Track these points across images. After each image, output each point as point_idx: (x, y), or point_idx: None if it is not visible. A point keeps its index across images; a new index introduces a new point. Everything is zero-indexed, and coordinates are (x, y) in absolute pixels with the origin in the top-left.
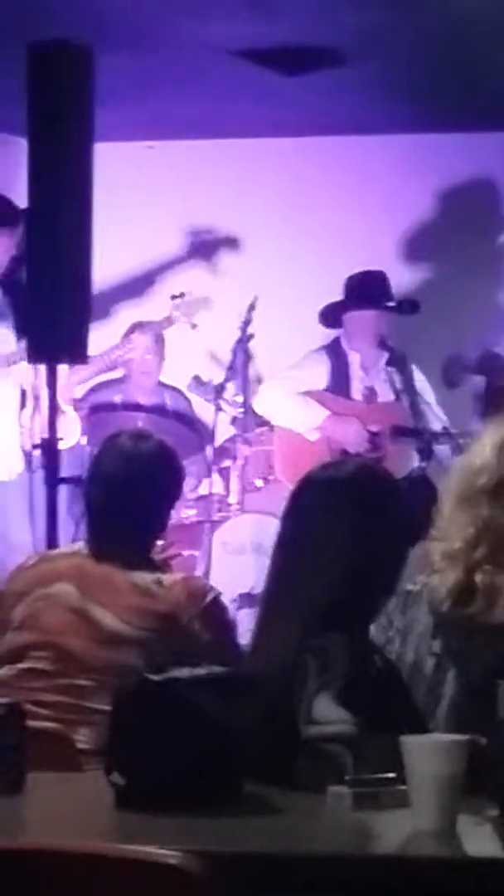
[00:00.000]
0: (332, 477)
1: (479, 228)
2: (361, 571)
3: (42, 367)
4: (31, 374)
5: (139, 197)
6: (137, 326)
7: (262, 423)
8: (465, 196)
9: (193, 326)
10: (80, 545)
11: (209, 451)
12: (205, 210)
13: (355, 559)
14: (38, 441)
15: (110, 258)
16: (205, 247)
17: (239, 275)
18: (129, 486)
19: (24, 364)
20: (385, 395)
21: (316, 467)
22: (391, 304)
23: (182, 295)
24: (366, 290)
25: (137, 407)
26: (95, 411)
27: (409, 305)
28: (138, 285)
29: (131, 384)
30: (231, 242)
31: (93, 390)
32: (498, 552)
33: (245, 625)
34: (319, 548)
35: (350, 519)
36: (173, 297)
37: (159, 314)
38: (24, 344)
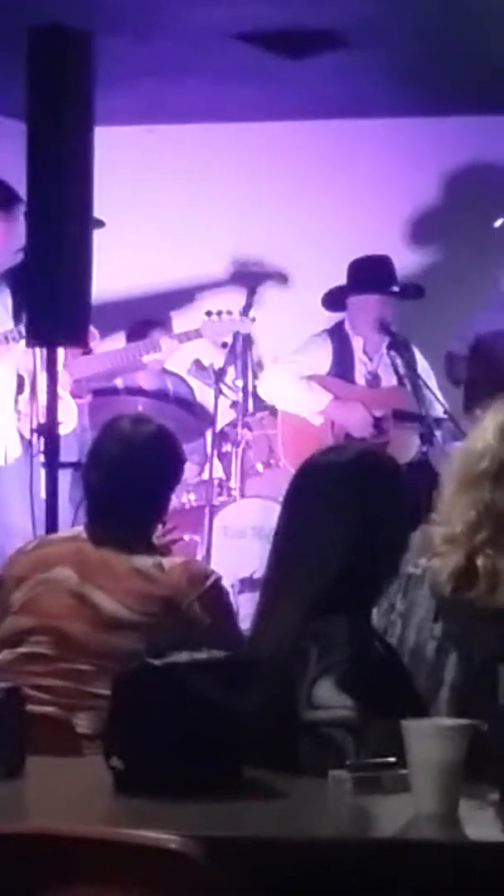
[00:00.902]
0: (335, 461)
1: (484, 211)
2: (362, 556)
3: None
4: (29, 359)
5: (146, 179)
6: (158, 326)
7: (263, 407)
8: (470, 179)
9: (224, 346)
10: (80, 529)
11: (210, 435)
12: (206, 194)
13: (356, 544)
14: (36, 426)
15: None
16: (248, 277)
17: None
18: (128, 471)
19: (22, 347)
20: (388, 379)
21: (318, 451)
22: (395, 288)
23: (220, 314)
24: (370, 274)
25: (138, 391)
26: (96, 395)
27: (413, 290)
28: (176, 297)
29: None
30: (279, 277)
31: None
32: (499, 536)
33: (246, 609)
34: (321, 532)
35: (352, 503)
36: (209, 314)
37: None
38: (21, 324)
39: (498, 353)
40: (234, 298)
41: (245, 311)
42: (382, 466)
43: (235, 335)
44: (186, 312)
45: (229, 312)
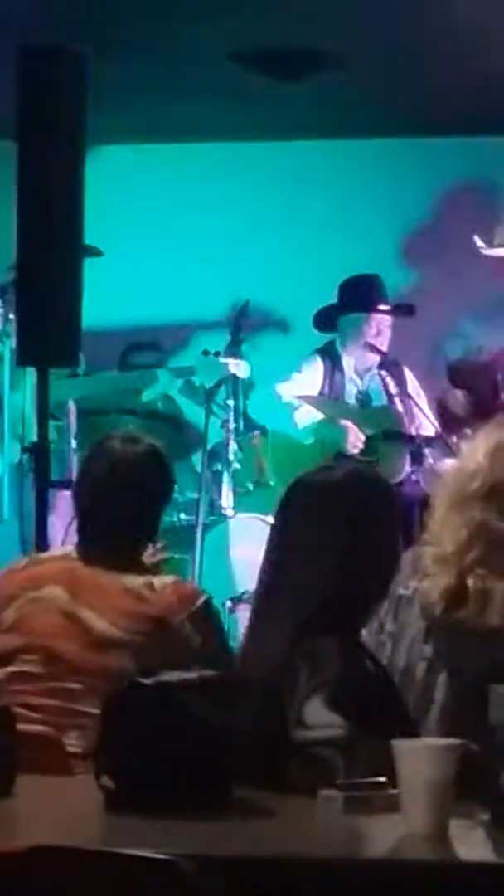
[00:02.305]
0: (324, 481)
1: (472, 230)
2: (352, 575)
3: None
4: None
5: (137, 200)
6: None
7: (254, 426)
8: (457, 199)
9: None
10: (71, 548)
11: (200, 454)
12: (200, 210)
13: (346, 564)
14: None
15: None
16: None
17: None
18: (117, 490)
19: None
20: (378, 398)
21: (307, 471)
22: (385, 307)
23: (217, 354)
24: (359, 293)
25: (129, 410)
26: (87, 414)
27: (404, 309)
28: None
29: None
30: (280, 324)
31: None
32: (490, 556)
33: (237, 629)
34: (310, 552)
35: (342, 523)
36: (205, 353)
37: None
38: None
39: (475, 378)
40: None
41: (235, 330)
42: (373, 486)
43: (226, 353)
44: (182, 348)
45: (217, 354)
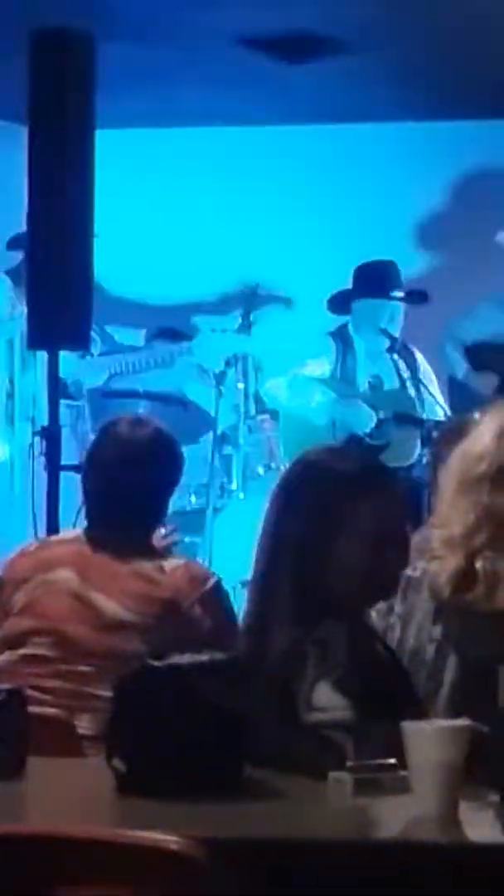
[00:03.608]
0: (331, 461)
1: (487, 216)
2: (357, 559)
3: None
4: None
5: (144, 182)
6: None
7: (264, 409)
8: (472, 184)
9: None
10: (81, 531)
11: (211, 437)
12: (206, 197)
13: (350, 547)
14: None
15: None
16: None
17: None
18: (126, 474)
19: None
20: (390, 382)
21: (308, 451)
22: (399, 293)
23: (223, 332)
24: (374, 279)
25: (138, 393)
26: (96, 398)
27: (417, 295)
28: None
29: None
30: (281, 299)
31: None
32: (498, 538)
33: None
34: (307, 536)
35: (337, 507)
36: (212, 330)
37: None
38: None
39: (487, 360)
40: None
41: (245, 313)
42: (373, 470)
43: (243, 359)
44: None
45: (224, 331)
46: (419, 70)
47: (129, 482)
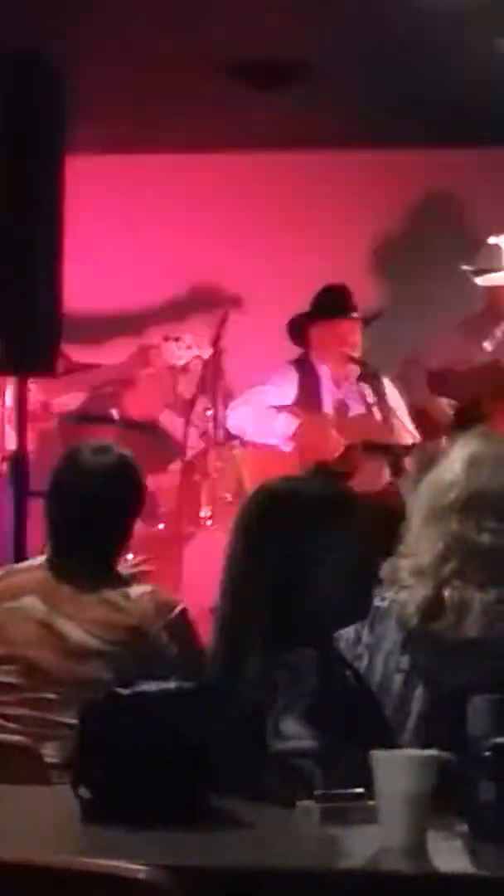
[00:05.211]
0: (294, 490)
1: (445, 241)
2: (319, 590)
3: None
4: None
5: (119, 208)
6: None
7: (232, 436)
8: (430, 210)
9: (183, 369)
10: (45, 559)
11: (180, 464)
12: (181, 223)
13: (313, 577)
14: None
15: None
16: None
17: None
18: (88, 501)
19: None
20: (357, 408)
21: (271, 480)
22: (354, 314)
23: (177, 339)
24: (328, 301)
25: (106, 419)
26: (63, 422)
27: (373, 316)
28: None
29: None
30: (236, 301)
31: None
32: (467, 568)
33: None
34: (275, 565)
35: (303, 536)
36: (166, 339)
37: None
38: None
39: (457, 387)
40: (191, 326)
41: (214, 340)
42: (341, 498)
43: (206, 365)
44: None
45: (179, 339)
46: (381, 97)
47: (91, 510)
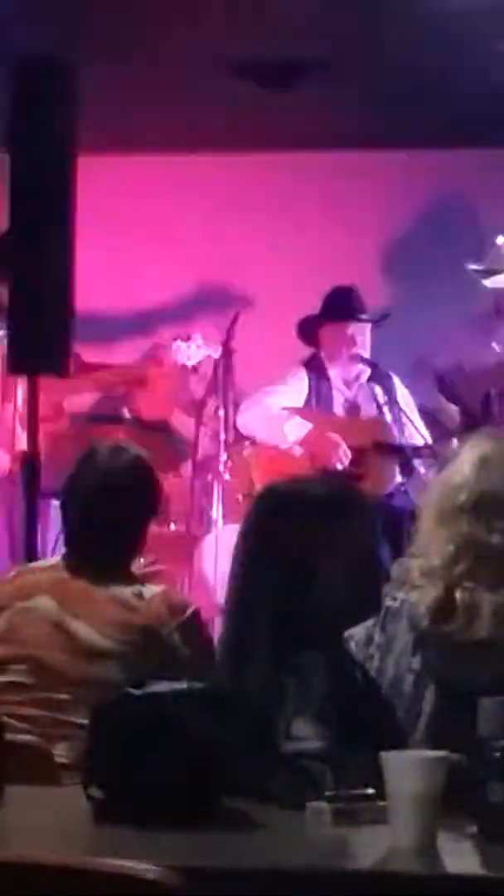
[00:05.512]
0: (300, 492)
1: (456, 243)
2: (335, 590)
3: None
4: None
5: (124, 210)
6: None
7: (244, 437)
8: (442, 211)
9: (194, 370)
10: (60, 559)
11: (191, 465)
12: (192, 224)
13: (327, 578)
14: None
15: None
16: (216, 302)
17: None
18: (104, 501)
19: None
20: (368, 409)
21: (280, 481)
22: (364, 316)
23: (188, 339)
24: (336, 303)
25: (118, 419)
26: (75, 423)
27: (382, 317)
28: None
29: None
30: (246, 301)
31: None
32: (477, 569)
33: None
34: (284, 565)
35: (313, 536)
36: (177, 339)
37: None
38: None
39: (460, 386)
40: (202, 326)
41: (225, 341)
42: (352, 499)
43: (217, 366)
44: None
45: (190, 338)
46: (395, 99)
47: (108, 510)
